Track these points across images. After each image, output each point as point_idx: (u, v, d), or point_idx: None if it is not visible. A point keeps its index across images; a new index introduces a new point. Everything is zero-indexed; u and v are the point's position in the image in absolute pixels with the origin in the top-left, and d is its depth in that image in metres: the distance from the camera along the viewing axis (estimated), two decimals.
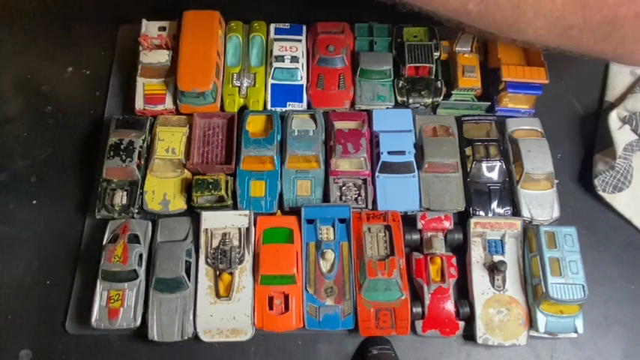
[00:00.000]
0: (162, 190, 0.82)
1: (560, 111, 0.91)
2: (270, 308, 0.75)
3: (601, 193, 0.83)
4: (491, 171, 0.83)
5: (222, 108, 0.88)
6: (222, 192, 0.79)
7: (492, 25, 0.66)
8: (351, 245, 0.77)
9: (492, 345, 0.74)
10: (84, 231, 0.82)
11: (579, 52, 0.69)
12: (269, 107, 0.88)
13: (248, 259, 0.77)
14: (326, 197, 0.82)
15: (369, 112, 0.87)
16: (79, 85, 0.94)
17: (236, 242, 0.78)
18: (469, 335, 0.75)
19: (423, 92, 0.88)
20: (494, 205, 0.81)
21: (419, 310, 0.75)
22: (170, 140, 0.83)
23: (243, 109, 0.88)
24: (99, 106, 0.92)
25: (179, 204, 0.81)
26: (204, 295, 0.75)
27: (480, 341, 0.74)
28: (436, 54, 0.89)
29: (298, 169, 0.83)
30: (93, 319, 0.74)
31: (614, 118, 0.85)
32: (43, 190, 0.86)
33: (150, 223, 0.80)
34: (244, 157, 0.82)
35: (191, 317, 0.74)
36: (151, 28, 0.91)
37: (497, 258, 0.77)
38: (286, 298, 0.75)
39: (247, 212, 0.79)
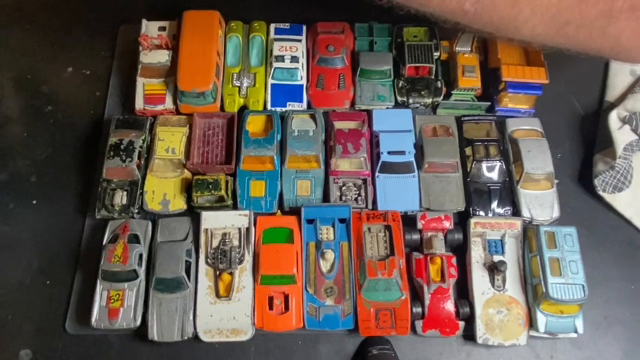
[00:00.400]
0: (162, 190, 0.82)
1: (560, 111, 0.91)
2: (270, 308, 0.75)
3: (601, 193, 0.83)
4: (491, 171, 0.83)
5: (222, 108, 0.88)
6: (222, 192, 0.79)
7: (489, 25, 0.66)
8: (351, 245, 0.77)
9: (492, 345, 0.74)
10: (84, 231, 0.82)
11: (576, 51, 0.69)
12: (269, 107, 0.88)
13: (248, 259, 0.77)
14: (326, 197, 0.82)
15: (369, 112, 0.87)
16: (79, 85, 0.94)
17: (236, 242, 0.78)
18: (469, 335, 0.75)
19: (423, 92, 0.88)
20: (494, 205, 0.81)
21: (419, 310, 0.75)
22: (170, 140, 0.83)
23: (243, 109, 0.88)
24: (99, 106, 0.92)
25: (179, 204, 0.81)
26: (204, 295, 0.75)
27: (480, 341, 0.74)
28: (436, 54, 0.89)
29: (298, 169, 0.83)
30: (93, 319, 0.74)
31: (614, 118, 0.85)
32: (43, 190, 0.86)
33: (150, 223, 0.80)
34: (244, 157, 0.82)
35: (191, 317, 0.74)
36: (151, 28, 0.91)
37: (497, 258, 0.77)
38: (286, 298, 0.75)
39: (247, 212, 0.79)
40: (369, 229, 0.79)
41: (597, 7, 0.60)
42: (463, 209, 0.81)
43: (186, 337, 0.73)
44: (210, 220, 0.78)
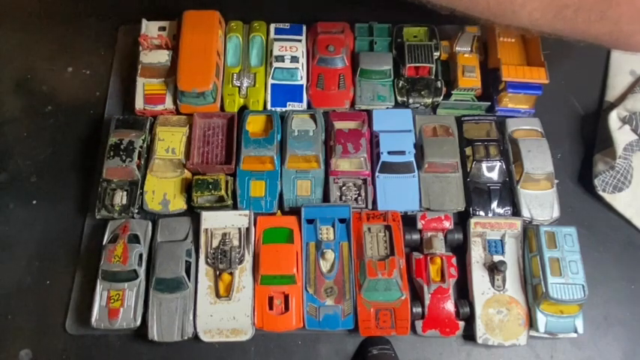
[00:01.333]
0: (162, 190, 0.82)
1: (560, 111, 0.91)
2: (270, 308, 0.75)
3: (601, 193, 0.83)
4: (491, 171, 0.83)
5: (222, 108, 0.88)
6: (222, 192, 0.79)
7: (486, 11, 0.65)
8: (351, 245, 0.77)
9: (492, 345, 0.74)
10: (84, 231, 0.82)
11: (574, 37, 0.68)
12: (269, 107, 0.88)
13: (248, 259, 0.77)
14: (326, 197, 0.82)
15: (369, 112, 0.87)
16: (79, 85, 0.94)
17: (236, 242, 0.78)
18: (469, 335, 0.75)
19: (423, 92, 0.88)
20: (494, 205, 0.81)
21: (419, 310, 0.75)
22: (170, 140, 0.83)
23: (243, 109, 0.88)
24: (99, 106, 0.92)
25: (179, 204, 0.81)
26: (204, 295, 0.75)
27: (480, 341, 0.74)
28: (436, 54, 0.89)
29: (298, 169, 0.83)
30: (93, 319, 0.74)
31: (614, 118, 0.85)
32: (43, 190, 0.86)
33: (150, 223, 0.80)
34: (244, 157, 0.82)
35: (191, 317, 0.74)
36: (151, 28, 0.91)
37: (497, 258, 0.77)
38: (286, 298, 0.75)
39: (247, 212, 0.79)
40: (369, 229, 0.79)
41: None
42: (463, 209, 0.81)
43: (186, 337, 0.73)
44: (210, 220, 0.78)
